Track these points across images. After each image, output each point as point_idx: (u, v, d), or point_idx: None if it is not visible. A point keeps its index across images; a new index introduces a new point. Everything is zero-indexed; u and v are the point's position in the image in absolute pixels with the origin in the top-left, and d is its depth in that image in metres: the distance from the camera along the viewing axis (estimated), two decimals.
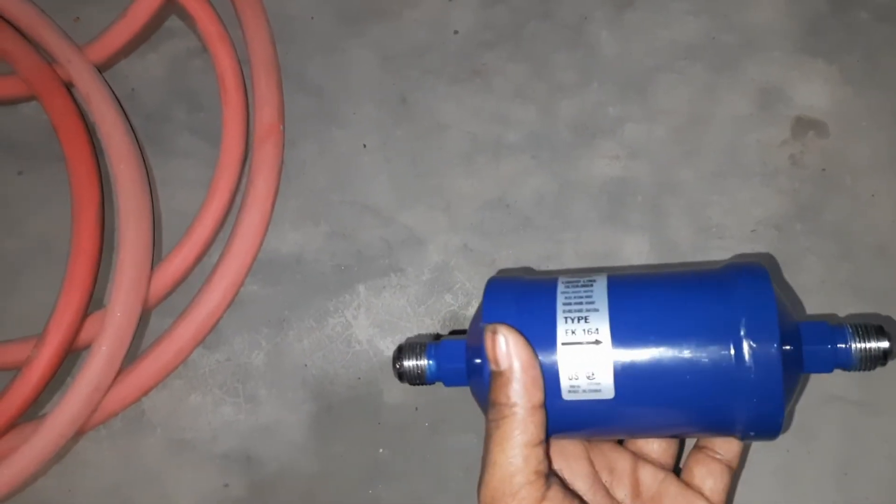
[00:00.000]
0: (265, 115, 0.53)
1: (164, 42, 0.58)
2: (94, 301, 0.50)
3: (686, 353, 0.33)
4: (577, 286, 0.36)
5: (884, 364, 0.34)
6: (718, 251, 0.50)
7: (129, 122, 0.55)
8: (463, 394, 0.39)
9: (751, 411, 0.33)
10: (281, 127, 0.54)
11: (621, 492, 0.38)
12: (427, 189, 0.53)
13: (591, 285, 0.35)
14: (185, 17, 0.57)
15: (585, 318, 0.34)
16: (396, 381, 0.39)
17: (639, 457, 0.40)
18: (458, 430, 0.49)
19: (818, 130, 0.51)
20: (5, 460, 0.47)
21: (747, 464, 0.46)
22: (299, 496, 0.49)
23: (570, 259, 0.51)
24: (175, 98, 0.57)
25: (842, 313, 0.48)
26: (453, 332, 0.51)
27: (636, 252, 0.50)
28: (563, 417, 0.34)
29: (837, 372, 0.46)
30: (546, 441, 0.34)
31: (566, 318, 0.34)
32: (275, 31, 0.56)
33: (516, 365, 0.33)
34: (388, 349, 0.51)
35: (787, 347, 0.33)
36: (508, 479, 0.33)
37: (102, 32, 0.56)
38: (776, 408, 0.32)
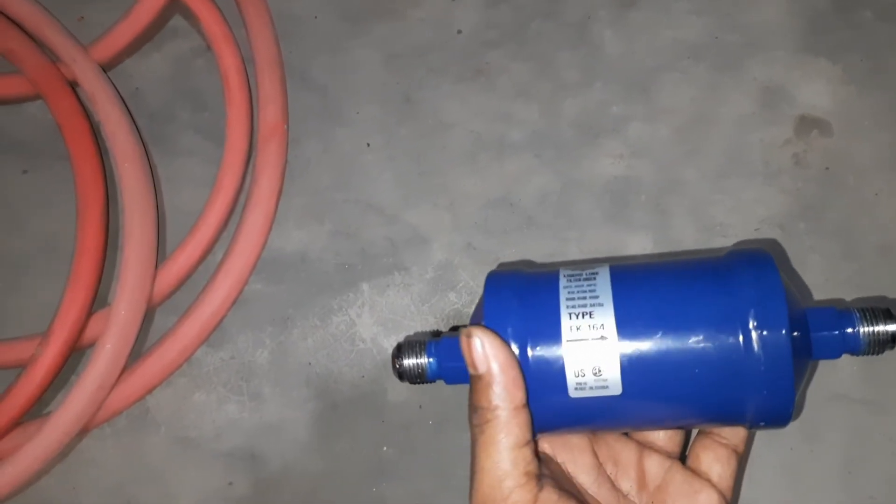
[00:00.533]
0: (269, 114, 0.53)
1: (169, 41, 0.58)
2: (98, 299, 0.51)
3: (693, 346, 0.32)
4: (580, 279, 0.35)
5: (892, 348, 0.34)
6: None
7: (133, 121, 0.55)
8: (466, 391, 0.39)
9: (761, 401, 0.32)
10: (285, 126, 0.54)
11: (626, 483, 0.38)
12: (431, 188, 0.53)
13: (594, 278, 0.35)
14: (189, 16, 0.58)
15: (590, 314, 0.34)
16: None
17: (644, 446, 0.39)
18: (463, 428, 0.48)
19: (821, 130, 0.51)
20: (10, 458, 0.47)
21: (752, 462, 0.46)
22: (303, 494, 0.49)
23: (573, 258, 0.51)
24: (179, 97, 0.57)
25: None
26: (453, 329, 0.51)
27: (640, 251, 0.50)
28: (570, 414, 0.34)
29: (842, 370, 0.47)
30: (534, 440, 0.34)
31: (570, 313, 0.34)
32: (279, 31, 0.57)
33: (494, 367, 0.33)
34: (392, 347, 0.50)
35: (796, 334, 0.32)
36: (498, 484, 0.32)
37: (107, 32, 0.56)
38: (787, 397, 0.32)
